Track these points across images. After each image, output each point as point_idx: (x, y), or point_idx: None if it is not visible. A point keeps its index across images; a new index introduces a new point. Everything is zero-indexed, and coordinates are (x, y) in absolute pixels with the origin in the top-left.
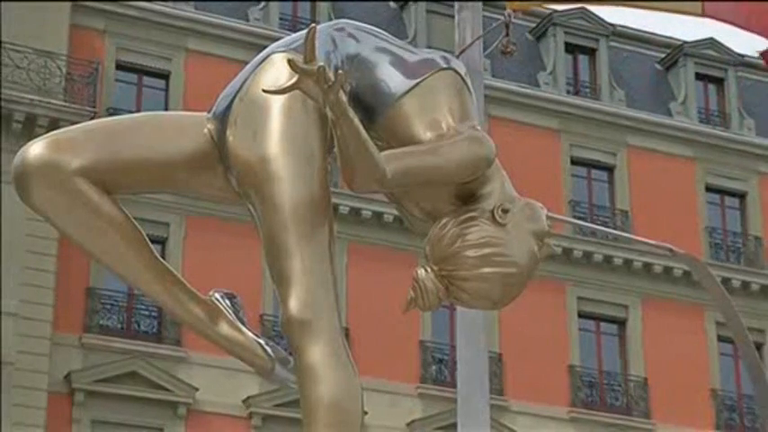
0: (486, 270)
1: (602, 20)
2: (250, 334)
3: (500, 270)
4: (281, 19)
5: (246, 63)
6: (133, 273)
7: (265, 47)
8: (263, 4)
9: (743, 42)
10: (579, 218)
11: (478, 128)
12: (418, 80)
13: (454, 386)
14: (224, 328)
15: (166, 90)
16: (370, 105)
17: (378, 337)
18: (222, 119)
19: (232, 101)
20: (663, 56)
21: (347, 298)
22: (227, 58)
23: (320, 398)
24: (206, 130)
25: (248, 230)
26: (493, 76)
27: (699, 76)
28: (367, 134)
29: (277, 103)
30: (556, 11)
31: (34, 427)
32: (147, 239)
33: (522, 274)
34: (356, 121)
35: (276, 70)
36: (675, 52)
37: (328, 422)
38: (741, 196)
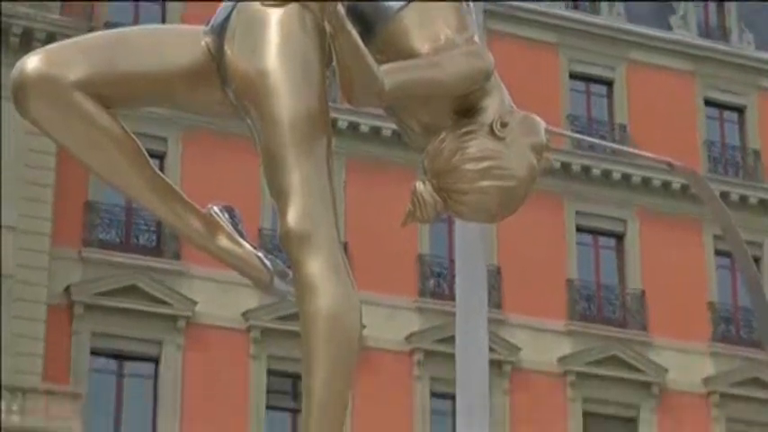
0: (485, 183)
1: None
2: (249, 247)
3: (499, 183)
4: None
5: None
6: (132, 186)
7: None
8: None
9: None
10: (578, 132)
11: (477, 41)
12: None
13: (452, 299)
14: (223, 241)
15: (162, 5)
16: (369, 19)
17: (376, 252)
18: (220, 32)
19: (230, 14)
20: None
21: (345, 212)
22: None
23: (318, 310)
24: (204, 44)
25: (247, 145)
26: None
27: None
28: (366, 48)
29: (275, 16)
30: None
31: (34, 340)
32: (146, 153)
33: (521, 187)
34: (354, 34)
35: None
36: None
37: (327, 335)
38: (740, 110)
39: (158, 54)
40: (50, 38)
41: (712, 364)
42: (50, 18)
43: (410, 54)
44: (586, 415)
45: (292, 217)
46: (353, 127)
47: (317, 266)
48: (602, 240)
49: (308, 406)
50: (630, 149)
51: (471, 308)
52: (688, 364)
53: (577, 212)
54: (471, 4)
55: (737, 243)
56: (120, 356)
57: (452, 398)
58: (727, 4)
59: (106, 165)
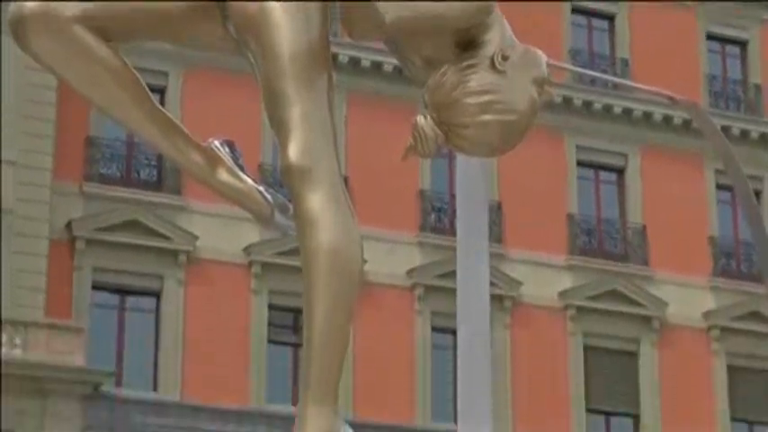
0: (486, 117)
1: None
2: (249, 181)
3: (500, 117)
4: None
5: None
6: (132, 119)
7: None
8: None
9: None
10: (579, 67)
11: None
12: None
13: (453, 234)
14: (223, 175)
15: None
16: None
17: (377, 187)
18: None
19: None
20: None
21: (346, 147)
22: None
23: (320, 244)
24: None
25: (248, 81)
26: None
27: None
28: None
29: None
30: None
31: (36, 274)
32: (147, 88)
33: (522, 120)
34: None
35: None
36: None
37: (328, 269)
38: (742, 44)
39: None
40: None
41: (713, 298)
42: None
43: None
44: (587, 349)
45: (293, 151)
46: (355, 62)
47: (317, 200)
48: (603, 175)
49: (309, 339)
50: (632, 83)
51: (472, 243)
52: (688, 299)
53: (578, 147)
54: None
55: (739, 177)
56: (121, 291)
57: (453, 332)
58: None
59: (106, 98)
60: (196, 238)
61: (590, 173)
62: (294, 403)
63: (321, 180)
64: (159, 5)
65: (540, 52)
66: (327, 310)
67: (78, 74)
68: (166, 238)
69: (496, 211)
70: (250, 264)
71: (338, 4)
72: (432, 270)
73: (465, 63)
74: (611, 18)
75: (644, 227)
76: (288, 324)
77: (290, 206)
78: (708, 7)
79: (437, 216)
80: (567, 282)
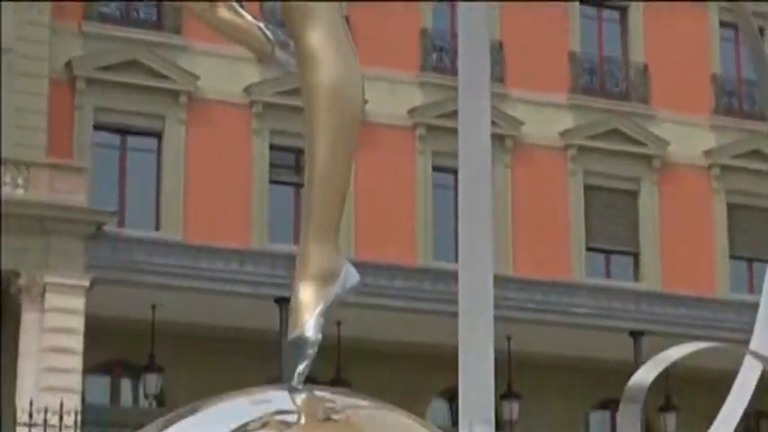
0: None
1: None
2: (249, 17)
3: None
4: None
5: None
6: None
7: None
8: None
9: None
10: None
11: None
12: None
13: (455, 74)
14: (223, 12)
15: None
16: None
17: (378, 25)
18: None
19: None
20: None
21: None
22: None
23: (321, 81)
24: None
25: None
26: None
27: None
28: None
29: None
30: None
31: (37, 114)
32: None
33: None
34: None
35: None
36: None
37: (329, 105)
38: None
39: None
40: None
41: (714, 136)
42: None
43: None
44: (587, 188)
45: None
46: None
47: (318, 38)
48: (606, 13)
49: (310, 178)
50: None
51: (474, 82)
52: (689, 137)
53: None
54: None
55: (743, 14)
56: (122, 131)
57: (454, 172)
58: None
59: None
60: (197, 78)
61: (593, 11)
62: (296, 243)
63: (322, 18)
64: None
65: None
66: (328, 146)
67: None
68: (167, 77)
69: (498, 50)
70: (251, 103)
71: None
72: (433, 110)
73: None
74: None
75: (646, 66)
76: (289, 164)
77: (291, 42)
78: None
79: (439, 56)
80: (568, 121)
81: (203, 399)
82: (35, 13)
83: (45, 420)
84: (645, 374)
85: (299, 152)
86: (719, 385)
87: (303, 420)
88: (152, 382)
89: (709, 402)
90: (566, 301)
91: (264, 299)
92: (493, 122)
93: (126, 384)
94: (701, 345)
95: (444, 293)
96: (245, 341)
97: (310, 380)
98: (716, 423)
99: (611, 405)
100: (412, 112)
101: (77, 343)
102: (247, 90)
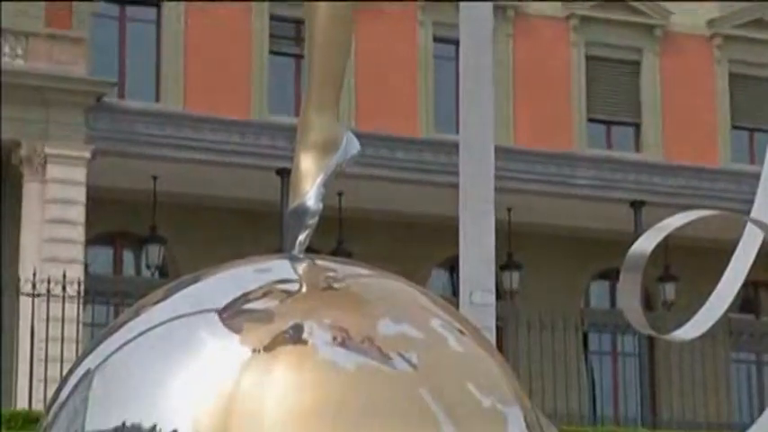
0: None
1: None
2: None
3: None
4: None
5: None
6: None
7: None
8: None
9: None
10: None
11: None
12: None
13: None
14: None
15: None
16: None
17: None
18: None
19: None
20: None
21: None
22: None
23: None
24: None
25: None
26: None
27: None
28: None
29: None
30: None
31: None
32: None
33: None
34: None
35: None
36: None
37: None
38: None
39: None
40: None
41: (716, 5)
42: None
43: None
44: (589, 59)
45: None
46: None
47: None
48: None
49: (310, 47)
50: None
51: None
52: (692, 6)
53: None
54: None
55: None
56: (121, 1)
57: (456, 42)
58: None
59: None
60: None
61: None
62: (297, 115)
63: None
64: None
65: None
66: (328, 13)
67: None
68: None
69: None
70: None
71: None
72: None
73: None
74: None
75: None
76: (289, 35)
77: None
78: None
79: None
80: None
81: (205, 269)
82: None
83: (48, 290)
84: (645, 242)
85: (299, 23)
86: (719, 254)
87: (304, 289)
88: (154, 252)
89: (708, 272)
90: (566, 172)
91: (266, 170)
92: None
93: (128, 255)
94: (703, 212)
95: (445, 164)
96: (246, 212)
97: (312, 251)
98: (715, 292)
99: (611, 275)
100: None
101: (79, 214)
102: None
